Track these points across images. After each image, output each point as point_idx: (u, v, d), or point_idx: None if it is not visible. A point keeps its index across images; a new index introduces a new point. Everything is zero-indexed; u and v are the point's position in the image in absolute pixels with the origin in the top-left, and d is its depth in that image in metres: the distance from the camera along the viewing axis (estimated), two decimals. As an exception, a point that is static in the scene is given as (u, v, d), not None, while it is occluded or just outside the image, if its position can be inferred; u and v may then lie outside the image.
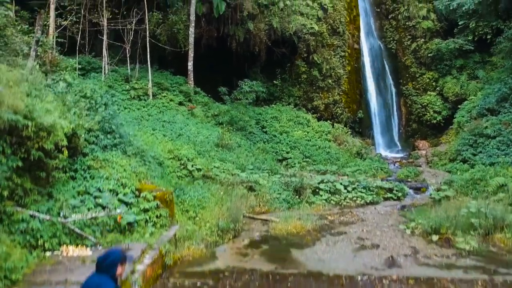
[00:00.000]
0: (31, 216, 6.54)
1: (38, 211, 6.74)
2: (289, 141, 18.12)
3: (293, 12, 21.07)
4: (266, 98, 22.28)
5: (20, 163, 6.36)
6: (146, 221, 7.92)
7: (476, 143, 16.52)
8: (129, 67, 17.97)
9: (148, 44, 17.62)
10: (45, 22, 15.09)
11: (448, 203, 11.89)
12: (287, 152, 17.47)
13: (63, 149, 7.51)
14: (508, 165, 14.22)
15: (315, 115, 21.41)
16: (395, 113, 24.63)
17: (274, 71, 22.29)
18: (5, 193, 6.20)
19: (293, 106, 21.47)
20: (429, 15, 24.50)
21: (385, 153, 23.01)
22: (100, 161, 8.73)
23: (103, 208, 7.60)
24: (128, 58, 17.93)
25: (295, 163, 16.69)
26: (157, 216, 8.09)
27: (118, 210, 7.55)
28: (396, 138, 24.19)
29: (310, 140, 18.56)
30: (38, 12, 12.22)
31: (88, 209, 7.43)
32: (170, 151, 12.75)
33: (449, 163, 17.21)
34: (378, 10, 26.08)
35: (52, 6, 14.87)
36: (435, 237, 9.21)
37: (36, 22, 12.35)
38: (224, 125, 16.97)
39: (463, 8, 22.63)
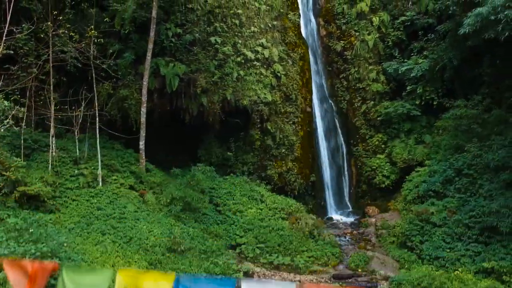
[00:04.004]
0: None
1: None
2: (243, 223, 18.13)
3: (247, 81, 21.12)
4: (221, 164, 22.34)
5: None
6: None
7: (423, 230, 17.10)
8: (77, 151, 17.41)
9: (97, 130, 17.14)
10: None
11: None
12: (241, 237, 17.48)
13: None
14: (453, 264, 14.89)
15: (268, 186, 21.58)
16: (346, 173, 25.17)
17: (229, 139, 22.29)
18: None
19: (247, 176, 21.55)
20: (378, 77, 25.18)
21: (336, 216, 23.49)
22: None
23: None
24: (76, 140, 17.38)
25: (248, 252, 16.73)
26: None
27: None
28: (347, 199, 24.72)
29: (264, 219, 18.64)
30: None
31: None
32: (120, 269, 12.46)
33: (397, 246, 17.74)
34: (330, 69, 26.55)
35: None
36: None
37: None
38: (177, 211, 16.80)
39: (411, 75, 23.53)
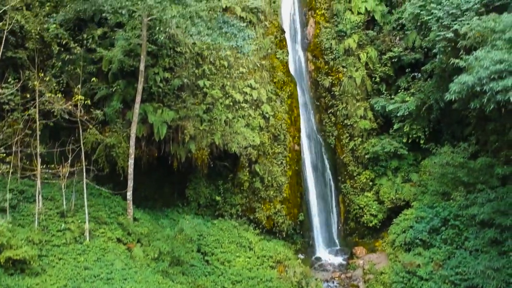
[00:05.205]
0: None
1: None
2: (231, 274, 18.14)
3: (235, 125, 21.11)
4: (209, 205, 22.40)
5: None
6: None
7: (410, 283, 17.30)
8: (64, 202, 17.27)
9: (85, 185, 17.02)
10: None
11: None
12: (229, 290, 17.52)
13: None
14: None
15: (257, 230, 21.64)
16: (334, 209, 25.26)
17: (217, 180, 22.28)
18: None
19: (235, 219, 21.60)
20: (366, 113, 25.32)
21: (324, 255, 23.55)
22: None
23: None
24: (63, 192, 17.23)
25: (236, 307, 16.79)
26: None
27: None
28: (335, 235, 24.80)
29: (252, 269, 18.68)
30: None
31: None
32: None
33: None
34: (318, 103, 26.63)
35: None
36: None
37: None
38: (165, 267, 16.73)
39: (398, 113, 23.71)
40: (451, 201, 19.19)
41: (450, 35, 18.69)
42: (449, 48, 19.25)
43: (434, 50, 20.31)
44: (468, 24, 17.88)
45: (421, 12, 20.66)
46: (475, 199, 17.76)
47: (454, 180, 19.48)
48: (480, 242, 16.49)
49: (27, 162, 16.63)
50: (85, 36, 18.18)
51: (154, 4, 15.06)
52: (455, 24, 18.65)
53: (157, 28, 16.25)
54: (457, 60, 14.97)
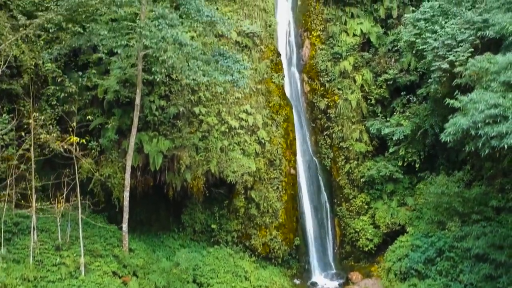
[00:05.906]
0: None
1: None
2: (228, 307, 18.19)
3: (231, 153, 21.10)
4: (205, 231, 22.40)
5: None
6: None
7: (405, 316, 17.36)
8: (59, 234, 17.22)
9: (80, 220, 16.97)
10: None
11: None
12: (226, 325, 17.54)
13: None
14: None
15: (253, 257, 21.66)
16: (330, 232, 25.26)
17: (213, 206, 22.28)
18: None
19: (231, 246, 21.59)
20: (361, 136, 25.38)
21: (320, 279, 23.56)
22: None
23: None
24: (58, 225, 17.18)
25: None
26: None
27: None
28: (331, 259, 24.81)
29: (247, 301, 18.72)
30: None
31: None
32: None
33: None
34: (314, 125, 26.66)
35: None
36: None
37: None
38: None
39: (394, 138, 23.77)
40: (446, 230, 19.26)
41: (445, 65, 18.79)
42: (444, 78, 19.35)
43: (430, 80, 20.35)
44: (463, 56, 18.09)
45: (417, 41, 20.72)
46: (470, 231, 17.81)
47: (449, 209, 19.55)
48: (475, 277, 16.55)
49: (22, 200, 16.54)
50: (80, 73, 18.09)
51: (150, 44, 15.03)
52: (450, 54, 18.76)
53: (153, 68, 16.18)
54: (452, 101, 14.97)
